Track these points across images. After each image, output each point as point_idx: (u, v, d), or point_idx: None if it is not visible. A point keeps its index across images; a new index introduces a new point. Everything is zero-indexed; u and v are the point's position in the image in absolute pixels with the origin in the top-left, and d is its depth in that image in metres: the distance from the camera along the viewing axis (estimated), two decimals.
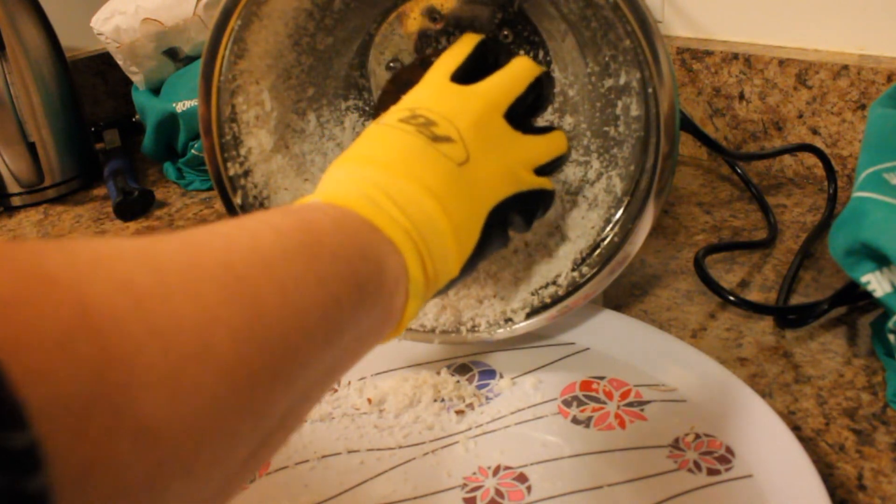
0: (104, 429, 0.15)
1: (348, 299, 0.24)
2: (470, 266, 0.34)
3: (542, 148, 0.37)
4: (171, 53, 0.78)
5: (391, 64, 0.48)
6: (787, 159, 0.67)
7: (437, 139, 0.32)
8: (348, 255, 0.26)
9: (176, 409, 0.17)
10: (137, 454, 0.16)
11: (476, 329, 0.46)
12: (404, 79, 0.42)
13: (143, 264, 0.18)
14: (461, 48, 0.39)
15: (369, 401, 0.43)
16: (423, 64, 0.42)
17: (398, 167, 0.31)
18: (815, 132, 0.64)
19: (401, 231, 0.29)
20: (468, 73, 0.37)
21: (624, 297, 0.52)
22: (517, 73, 0.38)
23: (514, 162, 0.35)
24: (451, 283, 0.34)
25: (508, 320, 0.46)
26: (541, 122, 0.47)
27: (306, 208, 0.27)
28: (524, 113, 0.37)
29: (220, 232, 0.22)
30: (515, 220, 0.36)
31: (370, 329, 0.27)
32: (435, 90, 0.36)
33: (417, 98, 0.36)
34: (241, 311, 0.20)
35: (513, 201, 0.35)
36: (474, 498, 0.37)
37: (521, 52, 0.46)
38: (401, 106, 0.35)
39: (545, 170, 0.38)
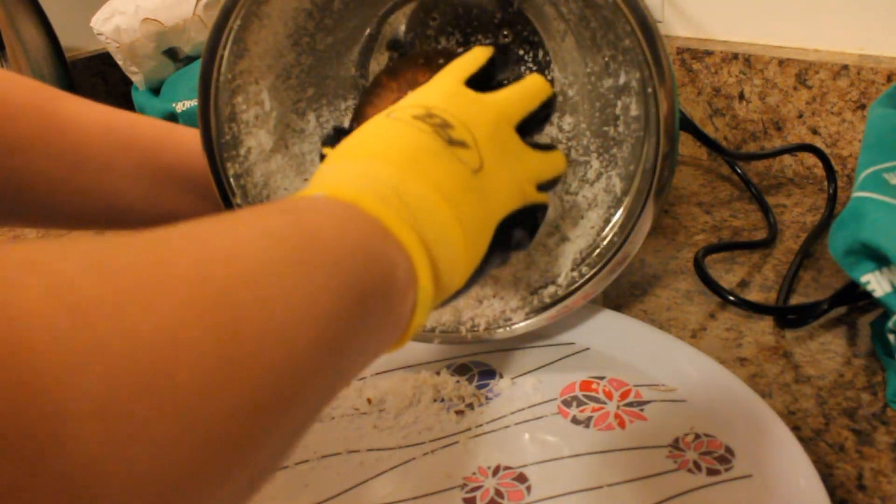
0: (49, 476, 0.12)
1: (348, 314, 0.22)
2: (472, 280, 0.33)
3: (546, 165, 0.37)
4: (171, 53, 0.78)
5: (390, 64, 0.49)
6: (787, 159, 0.67)
7: (452, 143, 0.31)
8: (352, 263, 0.23)
9: (122, 455, 0.13)
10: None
11: (476, 329, 0.46)
12: (407, 76, 0.41)
13: (89, 268, 0.15)
14: (475, 57, 0.37)
15: (369, 401, 0.43)
16: (427, 62, 0.41)
17: (412, 167, 0.29)
18: (815, 132, 0.64)
19: (413, 235, 0.27)
20: (480, 83, 0.36)
21: (624, 297, 0.52)
22: (532, 88, 0.37)
23: (522, 175, 0.35)
24: (452, 297, 0.32)
25: (508, 320, 0.46)
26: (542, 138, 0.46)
27: (307, 208, 0.25)
28: (531, 130, 0.37)
29: (196, 234, 0.19)
30: (518, 235, 0.35)
31: (372, 343, 0.25)
32: (449, 93, 0.34)
33: (430, 97, 0.34)
34: (214, 331, 0.16)
35: (518, 215, 0.34)
36: (474, 498, 0.37)
37: (530, 68, 0.46)
38: (413, 102, 0.33)
39: (543, 187, 0.37)
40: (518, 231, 0.35)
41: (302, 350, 0.19)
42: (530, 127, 0.37)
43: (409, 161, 0.29)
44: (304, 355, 0.19)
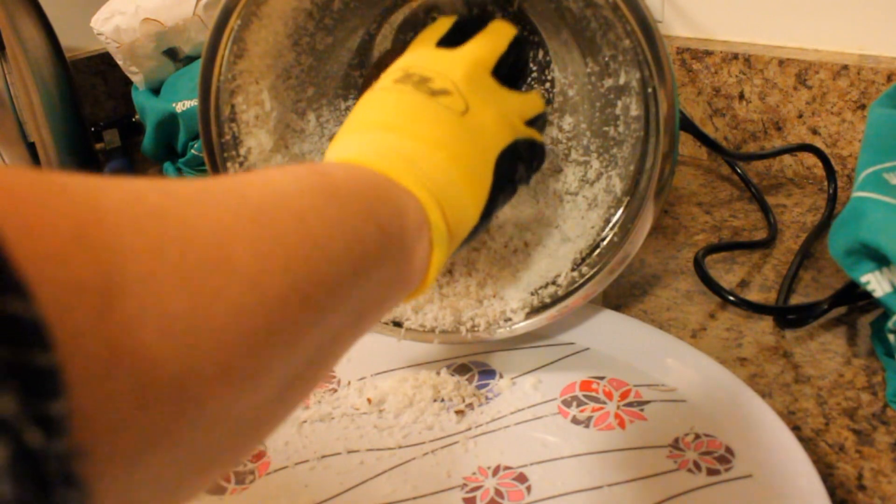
0: (128, 315, 0.14)
1: (371, 237, 0.24)
2: (487, 214, 0.34)
3: (527, 103, 0.39)
4: (171, 53, 0.78)
5: None
6: (787, 159, 0.67)
7: (435, 93, 0.33)
8: (366, 197, 0.25)
9: (203, 312, 0.16)
10: (167, 346, 0.15)
11: (476, 329, 0.46)
12: (387, 63, 0.42)
13: (154, 188, 0.18)
14: (440, 25, 0.41)
15: (369, 401, 0.43)
16: (405, 47, 0.42)
17: (402, 127, 0.31)
18: (815, 132, 0.64)
19: (414, 180, 0.29)
20: (450, 43, 0.39)
21: (624, 297, 0.52)
22: (497, 33, 0.40)
23: (508, 112, 0.37)
24: (474, 233, 0.34)
25: (508, 320, 0.46)
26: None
27: (316, 163, 0.28)
28: (506, 74, 0.39)
29: (230, 176, 0.22)
30: (519, 169, 0.37)
31: (396, 276, 0.26)
32: (422, 53, 0.37)
33: (405, 60, 0.37)
34: (260, 231, 0.19)
35: (514, 149, 0.36)
36: (474, 498, 0.37)
37: (530, 69, 0.46)
38: (392, 69, 0.36)
39: (532, 126, 0.40)
40: (519, 164, 0.37)
41: (336, 257, 0.22)
42: (505, 70, 0.39)
43: (398, 122, 0.32)
44: (338, 262, 0.22)
